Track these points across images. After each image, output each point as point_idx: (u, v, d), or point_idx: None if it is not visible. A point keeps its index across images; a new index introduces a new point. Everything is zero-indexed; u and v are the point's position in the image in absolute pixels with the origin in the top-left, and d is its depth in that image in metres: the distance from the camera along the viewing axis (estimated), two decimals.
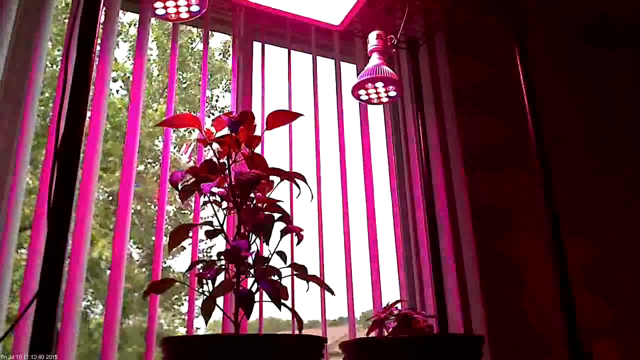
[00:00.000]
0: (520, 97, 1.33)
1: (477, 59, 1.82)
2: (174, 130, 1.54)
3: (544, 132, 1.30)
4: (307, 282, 0.97)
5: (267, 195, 0.98)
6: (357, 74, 1.84)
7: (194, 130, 1.00)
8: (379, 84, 1.50)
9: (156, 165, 4.30)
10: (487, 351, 1.27)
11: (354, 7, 1.56)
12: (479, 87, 1.80)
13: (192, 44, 4.78)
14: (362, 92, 1.53)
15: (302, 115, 1.03)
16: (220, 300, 0.98)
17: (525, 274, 1.59)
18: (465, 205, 1.63)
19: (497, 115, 1.77)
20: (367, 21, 1.81)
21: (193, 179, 0.95)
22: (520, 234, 1.64)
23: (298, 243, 1.00)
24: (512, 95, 1.41)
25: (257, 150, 1.02)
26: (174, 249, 0.98)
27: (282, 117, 1.03)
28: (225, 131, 1.00)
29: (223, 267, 0.95)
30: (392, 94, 1.53)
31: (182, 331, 3.95)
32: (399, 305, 1.15)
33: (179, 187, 0.94)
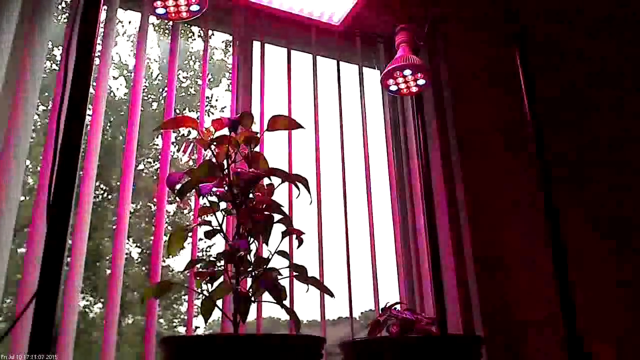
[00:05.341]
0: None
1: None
2: (173, 130, 1.54)
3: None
4: (307, 284, 0.97)
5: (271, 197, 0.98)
6: (358, 74, 1.84)
7: (194, 129, 1.00)
8: (408, 72, 1.50)
9: (156, 163, 4.29)
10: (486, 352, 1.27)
11: (353, 6, 1.56)
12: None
13: (191, 42, 4.76)
14: (390, 82, 1.53)
15: (302, 127, 1.02)
16: (219, 300, 0.98)
17: (524, 272, 1.59)
18: (464, 205, 1.63)
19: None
20: (367, 21, 1.82)
21: (191, 180, 0.95)
22: (519, 233, 1.64)
23: (299, 246, 1.00)
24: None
25: (257, 150, 1.02)
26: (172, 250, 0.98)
27: (283, 124, 1.03)
28: (225, 131, 1.00)
29: (222, 267, 0.95)
30: (421, 82, 1.53)
31: (181, 330, 3.94)
32: (397, 307, 1.15)
33: (177, 188, 0.93)
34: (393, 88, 1.56)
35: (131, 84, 1.47)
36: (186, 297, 1.70)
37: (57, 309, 0.74)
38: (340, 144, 1.69)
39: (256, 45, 1.69)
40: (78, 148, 0.81)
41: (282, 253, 0.97)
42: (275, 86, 1.64)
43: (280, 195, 1.01)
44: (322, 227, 1.54)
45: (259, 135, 1.01)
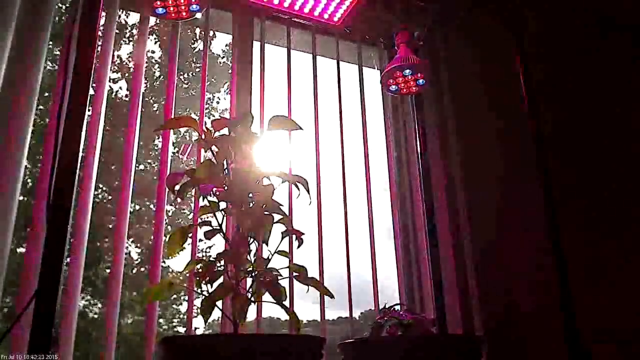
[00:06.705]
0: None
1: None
2: (173, 131, 1.54)
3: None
4: (307, 285, 0.97)
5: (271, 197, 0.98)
6: (358, 74, 1.84)
7: (194, 129, 1.00)
8: (407, 72, 1.52)
9: (155, 164, 4.30)
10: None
11: (354, 6, 1.56)
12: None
13: (193, 44, 4.77)
14: (390, 82, 1.55)
15: (301, 129, 1.03)
16: (219, 300, 0.97)
17: (524, 272, 1.59)
18: (464, 205, 1.63)
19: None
20: (367, 20, 1.82)
21: (191, 180, 0.95)
22: (519, 233, 1.64)
23: (299, 246, 1.00)
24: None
25: (257, 150, 1.02)
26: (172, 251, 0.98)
27: (282, 124, 1.03)
28: (225, 131, 1.00)
29: (222, 267, 0.95)
30: (421, 82, 1.55)
31: (181, 330, 3.95)
32: (397, 307, 1.15)
33: (177, 188, 0.93)
34: (393, 88, 1.57)
35: (130, 85, 1.47)
36: (186, 297, 1.71)
37: (57, 309, 0.74)
38: (340, 143, 1.69)
39: (256, 45, 1.68)
40: (78, 148, 0.82)
41: (282, 253, 0.97)
42: (275, 86, 1.64)
43: (280, 195, 1.01)
44: (322, 227, 1.54)
45: (259, 135, 1.01)
